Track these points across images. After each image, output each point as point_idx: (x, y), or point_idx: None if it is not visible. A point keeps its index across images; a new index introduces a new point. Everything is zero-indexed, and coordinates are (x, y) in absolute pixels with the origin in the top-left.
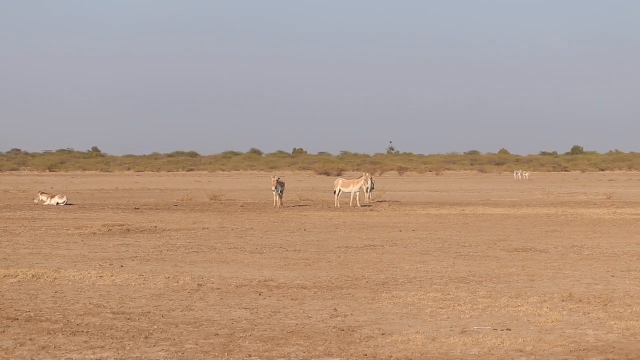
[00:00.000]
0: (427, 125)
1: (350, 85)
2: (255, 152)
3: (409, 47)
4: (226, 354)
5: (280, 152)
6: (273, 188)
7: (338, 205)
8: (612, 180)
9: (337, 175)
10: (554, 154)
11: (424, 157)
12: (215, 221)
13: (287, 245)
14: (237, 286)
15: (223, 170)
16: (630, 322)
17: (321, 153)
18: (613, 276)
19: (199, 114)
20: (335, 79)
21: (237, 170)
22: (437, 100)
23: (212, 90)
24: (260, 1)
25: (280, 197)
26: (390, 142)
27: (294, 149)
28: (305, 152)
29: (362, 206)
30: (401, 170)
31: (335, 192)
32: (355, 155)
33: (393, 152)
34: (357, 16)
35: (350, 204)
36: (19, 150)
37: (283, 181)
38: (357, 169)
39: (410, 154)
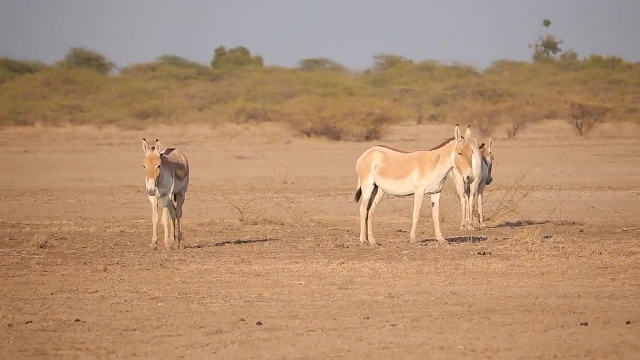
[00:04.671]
0: None
1: None
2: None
3: None
4: None
5: (175, 60)
6: (150, 184)
7: (371, 240)
8: None
9: (369, 139)
10: None
11: None
12: None
13: None
14: None
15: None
16: None
17: (308, 63)
18: None
19: None
20: None
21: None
22: None
23: None
24: None
25: (175, 210)
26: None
27: (218, 52)
28: (259, 58)
29: (449, 241)
30: (582, 114)
31: (360, 193)
32: (436, 67)
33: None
34: None
35: (412, 234)
36: None
37: (183, 160)
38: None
39: (618, 60)
